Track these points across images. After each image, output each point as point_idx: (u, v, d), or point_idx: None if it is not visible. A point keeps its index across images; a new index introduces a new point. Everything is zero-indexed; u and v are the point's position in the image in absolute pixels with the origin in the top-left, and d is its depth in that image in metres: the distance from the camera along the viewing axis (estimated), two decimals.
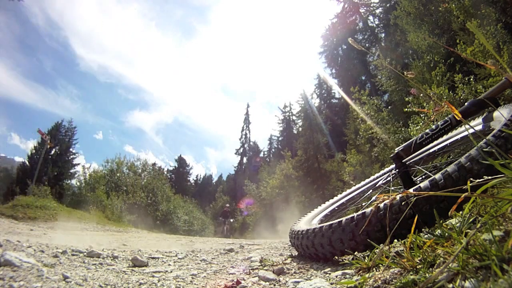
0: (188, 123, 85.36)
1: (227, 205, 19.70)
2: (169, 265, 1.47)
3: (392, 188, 1.68)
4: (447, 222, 0.90)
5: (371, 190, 1.91)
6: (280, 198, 20.84)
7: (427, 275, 0.61)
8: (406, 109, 6.15)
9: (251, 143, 41.68)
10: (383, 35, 20.76)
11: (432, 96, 4.92)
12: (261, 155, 39.50)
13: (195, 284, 1.03)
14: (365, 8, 23.04)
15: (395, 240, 0.97)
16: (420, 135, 1.54)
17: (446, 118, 1.51)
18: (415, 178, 1.53)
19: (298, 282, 0.93)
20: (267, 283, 0.99)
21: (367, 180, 2.11)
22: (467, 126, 1.60)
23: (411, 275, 0.65)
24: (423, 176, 1.50)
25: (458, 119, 0.81)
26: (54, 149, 25.16)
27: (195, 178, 46.62)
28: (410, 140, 1.56)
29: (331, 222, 1.15)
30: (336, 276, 0.92)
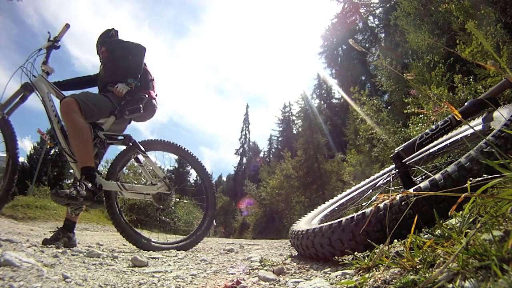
0: (183, 123, 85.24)
1: None
2: (169, 265, 1.47)
3: (392, 188, 1.68)
4: (447, 222, 0.90)
5: (371, 190, 1.91)
6: (280, 198, 20.85)
7: (427, 275, 0.61)
8: (406, 111, 6.15)
9: (251, 143, 41.72)
10: (383, 35, 20.80)
11: (431, 97, 4.92)
12: (261, 155, 39.55)
13: (195, 284, 1.03)
14: (365, 8, 23.07)
15: (395, 240, 0.97)
16: (420, 135, 1.54)
17: (446, 118, 1.51)
18: (415, 178, 1.53)
19: (298, 282, 0.93)
20: (267, 283, 0.99)
21: (367, 180, 2.11)
22: (467, 126, 1.60)
23: (411, 275, 0.65)
24: (423, 176, 1.50)
25: (458, 119, 0.82)
26: (53, 149, 25.14)
27: (195, 178, 46.58)
28: (410, 140, 1.56)
29: (331, 222, 1.15)
30: (336, 276, 0.92)
